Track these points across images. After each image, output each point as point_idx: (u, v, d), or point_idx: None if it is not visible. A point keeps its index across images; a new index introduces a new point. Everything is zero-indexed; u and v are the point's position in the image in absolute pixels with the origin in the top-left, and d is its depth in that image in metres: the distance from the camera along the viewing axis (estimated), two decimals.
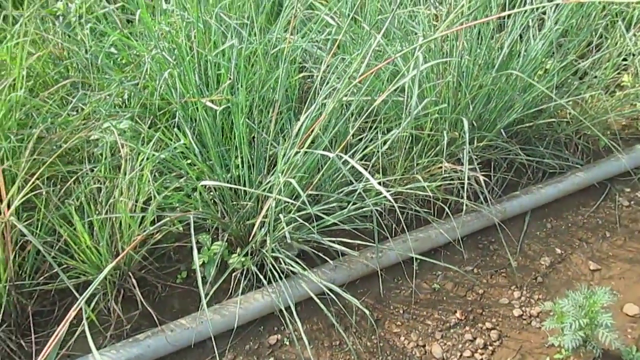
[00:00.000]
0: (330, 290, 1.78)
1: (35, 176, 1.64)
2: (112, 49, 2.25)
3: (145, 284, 1.94)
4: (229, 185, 1.60)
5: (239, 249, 1.91)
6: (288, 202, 1.75)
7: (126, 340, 1.74)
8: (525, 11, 2.10)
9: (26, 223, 1.66)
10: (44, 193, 1.70)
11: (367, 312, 1.76)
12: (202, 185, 1.77)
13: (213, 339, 1.77)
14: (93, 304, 1.70)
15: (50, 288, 1.78)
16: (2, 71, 2.03)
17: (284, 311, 1.82)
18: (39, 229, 1.74)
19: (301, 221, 1.69)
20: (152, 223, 1.77)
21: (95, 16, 2.21)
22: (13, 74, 1.90)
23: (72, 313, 0.98)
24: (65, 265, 1.75)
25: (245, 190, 1.90)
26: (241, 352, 1.81)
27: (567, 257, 2.14)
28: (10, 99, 1.85)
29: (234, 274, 1.89)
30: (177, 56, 1.99)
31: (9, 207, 1.62)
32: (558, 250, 2.17)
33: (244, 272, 1.90)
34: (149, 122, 2.05)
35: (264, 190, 1.73)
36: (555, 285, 2.03)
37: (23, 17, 1.93)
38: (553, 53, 2.25)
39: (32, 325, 1.75)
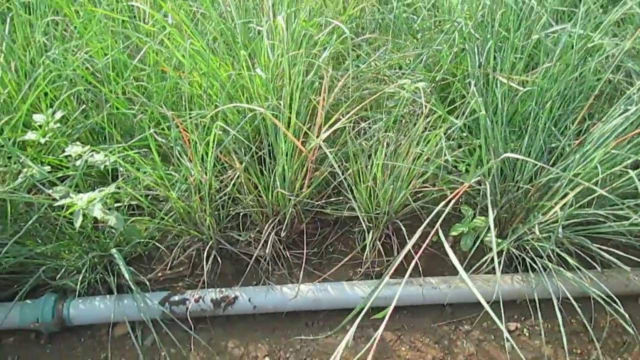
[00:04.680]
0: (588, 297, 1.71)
1: (347, 116, 1.81)
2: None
3: (398, 236, 2.05)
4: (529, 159, 1.58)
5: (496, 230, 1.93)
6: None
7: (377, 280, 1.87)
8: None
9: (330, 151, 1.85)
10: (346, 128, 1.88)
11: (632, 331, 1.67)
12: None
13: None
14: (363, 239, 1.85)
15: (325, 213, 1.98)
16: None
17: (528, 302, 1.81)
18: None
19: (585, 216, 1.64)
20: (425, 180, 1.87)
21: None
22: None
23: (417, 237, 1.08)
24: (341, 198, 1.93)
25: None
26: (478, 327, 1.84)
27: None
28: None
29: (489, 253, 1.92)
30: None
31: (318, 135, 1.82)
32: None
33: (497, 253, 1.91)
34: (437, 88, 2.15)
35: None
36: None
37: None
38: None
39: (305, 240, 1.96)
